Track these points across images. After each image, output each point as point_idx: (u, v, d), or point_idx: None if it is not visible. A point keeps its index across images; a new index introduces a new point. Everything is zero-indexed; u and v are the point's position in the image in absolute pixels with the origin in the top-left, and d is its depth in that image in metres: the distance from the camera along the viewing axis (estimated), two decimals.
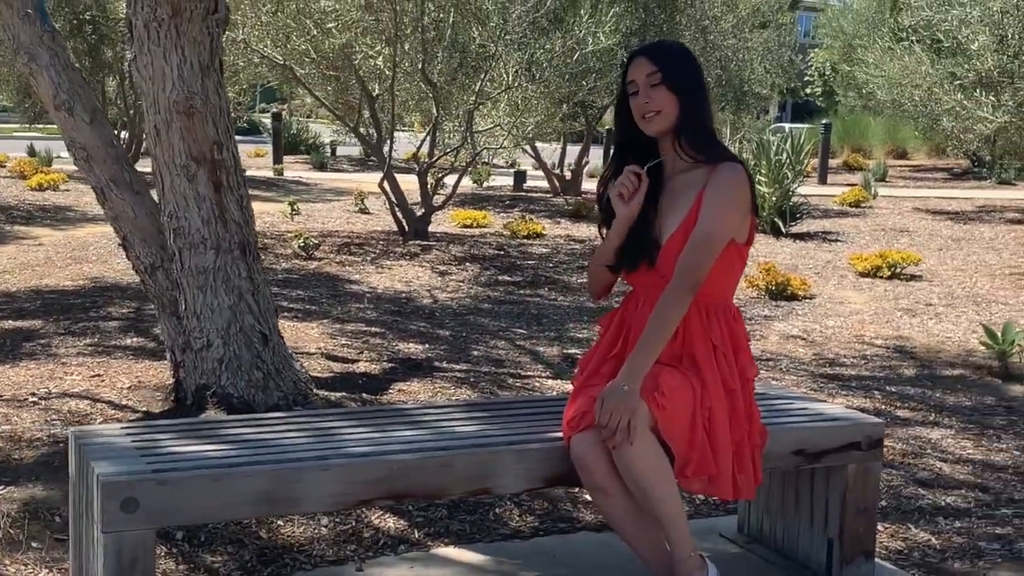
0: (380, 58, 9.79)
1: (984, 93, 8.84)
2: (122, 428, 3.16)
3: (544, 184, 17.27)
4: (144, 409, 4.64)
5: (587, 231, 12.04)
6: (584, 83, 11.76)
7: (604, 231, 3.27)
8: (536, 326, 7.02)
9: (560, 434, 3.14)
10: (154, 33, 4.30)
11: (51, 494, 3.76)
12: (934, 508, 4.25)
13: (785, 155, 12.83)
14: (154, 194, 4.64)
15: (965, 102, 9.54)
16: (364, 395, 4.97)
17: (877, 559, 3.59)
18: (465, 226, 12.06)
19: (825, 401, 3.84)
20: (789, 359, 6.49)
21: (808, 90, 37.15)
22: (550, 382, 5.59)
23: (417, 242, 10.26)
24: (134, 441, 3.00)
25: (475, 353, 6.14)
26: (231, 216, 4.50)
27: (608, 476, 2.97)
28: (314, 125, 29.58)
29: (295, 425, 3.21)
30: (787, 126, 28.64)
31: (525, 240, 11.12)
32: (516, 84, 10.27)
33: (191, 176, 4.41)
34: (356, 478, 2.89)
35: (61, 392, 4.88)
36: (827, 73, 33.45)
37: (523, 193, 16.71)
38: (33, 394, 4.84)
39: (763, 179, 12.51)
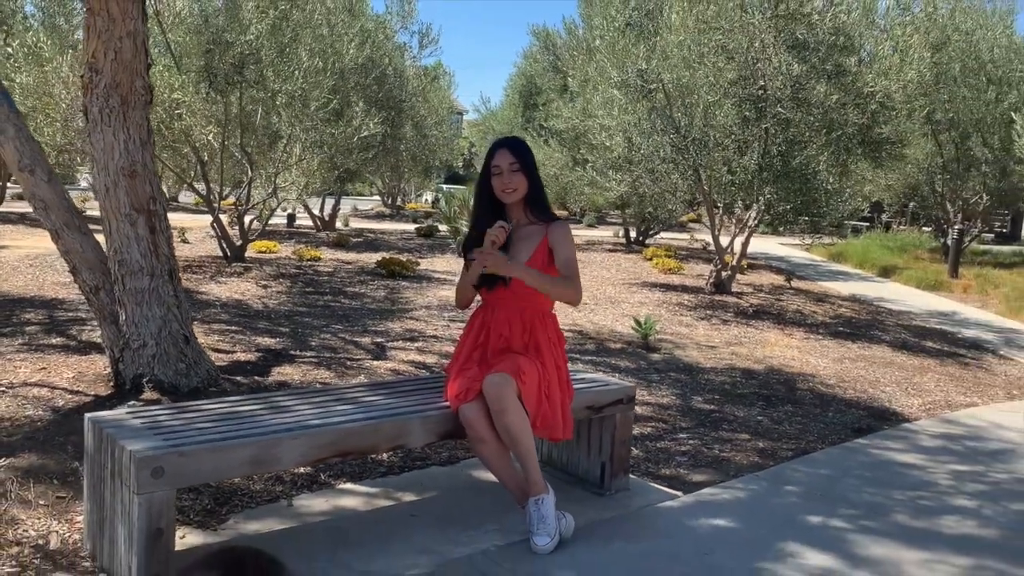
0: (211, 136, 9.22)
1: (614, 172, 9.29)
2: (127, 412, 2.89)
3: (309, 223, 16.76)
4: (93, 393, 4.21)
5: (351, 256, 11.78)
6: (356, 156, 11.61)
7: (469, 263, 3.26)
8: (347, 322, 6.84)
9: (446, 404, 3.14)
10: (106, 117, 3.93)
11: (45, 462, 3.38)
12: (638, 436, 4.42)
13: None
14: (99, 235, 4.22)
15: (597, 177, 9.99)
16: (256, 377, 4.70)
17: None
18: (261, 252, 11.52)
19: (594, 372, 3.98)
20: None
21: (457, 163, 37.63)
22: (375, 362, 5.48)
23: (238, 264, 9.74)
24: (143, 423, 2.77)
25: (313, 344, 5.92)
26: (162, 251, 4.18)
27: (487, 431, 3.01)
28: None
29: (258, 405, 3.04)
30: (445, 187, 29.08)
31: (309, 262, 10.77)
32: (304, 157, 9.99)
33: (133, 222, 4.07)
34: (316, 443, 2.81)
35: (21, 382, 4.33)
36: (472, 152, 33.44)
37: (295, 229, 16.15)
38: None
39: (464, 222, 12.68)
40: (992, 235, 25.78)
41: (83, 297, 6.90)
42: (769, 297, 10.09)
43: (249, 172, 9.71)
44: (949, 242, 16.87)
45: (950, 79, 13.39)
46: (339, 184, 14.62)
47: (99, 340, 5.38)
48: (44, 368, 4.62)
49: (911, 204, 20.55)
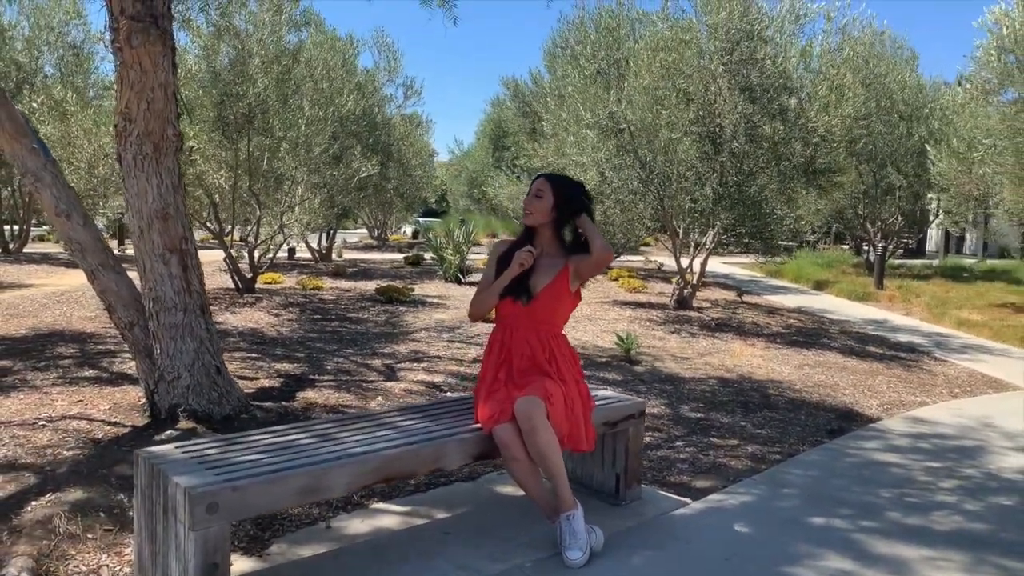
0: (223, 179, 8.91)
1: None
2: (175, 447, 2.61)
3: (307, 255, 16.39)
4: (130, 424, 3.89)
5: (349, 284, 11.44)
6: (354, 195, 11.35)
7: (495, 277, 3.11)
8: (355, 346, 6.55)
9: (477, 425, 2.90)
10: (140, 163, 3.65)
11: (91, 496, 3.06)
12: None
13: (462, 237, 12.85)
14: (132, 274, 3.92)
15: None
16: (283, 403, 4.40)
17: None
18: (268, 283, 11.16)
19: (606, 389, 3.76)
20: None
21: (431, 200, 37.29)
22: (388, 383, 5.20)
23: (249, 295, 9.39)
24: (192, 458, 2.49)
25: (328, 367, 5.63)
26: (194, 287, 3.88)
27: (520, 450, 2.79)
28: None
29: (302, 434, 2.77)
30: (421, 220, 28.78)
31: (312, 291, 10.43)
32: (307, 197, 9.71)
33: (166, 261, 3.77)
34: (362, 470, 2.55)
35: (60, 415, 3.99)
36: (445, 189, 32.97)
37: (295, 261, 15.76)
38: (38, 418, 3.94)
39: (450, 251, 12.45)
40: (901, 251, 26.13)
41: (111, 331, 6.59)
42: (726, 311, 9.96)
43: (258, 211, 9.38)
44: (871, 258, 17.00)
45: (868, 116, 13.46)
46: (337, 220, 14.29)
47: (130, 371, 5.07)
48: (80, 400, 4.28)
49: (835, 226, 20.70)
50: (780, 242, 8.77)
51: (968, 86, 11.01)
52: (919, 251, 27.22)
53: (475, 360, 6.20)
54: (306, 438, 2.72)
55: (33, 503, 2.95)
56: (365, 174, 10.23)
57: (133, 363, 5.30)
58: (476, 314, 3.15)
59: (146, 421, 3.90)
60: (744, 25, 7.58)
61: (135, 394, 4.36)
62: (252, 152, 8.83)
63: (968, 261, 20.94)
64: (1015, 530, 3.26)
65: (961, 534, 3.19)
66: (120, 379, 4.85)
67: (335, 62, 10.26)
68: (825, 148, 8.12)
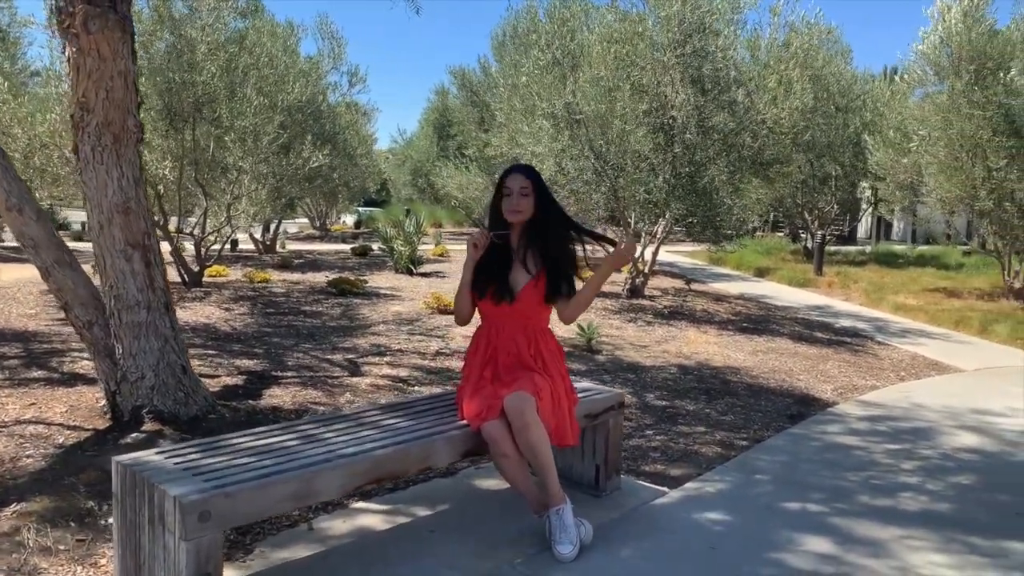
0: (167, 170, 8.58)
1: None
2: (155, 453, 2.50)
3: (250, 247, 15.95)
4: (91, 427, 3.71)
5: (297, 276, 11.16)
6: (304, 186, 11.07)
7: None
8: (314, 341, 6.40)
9: (463, 422, 2.86)
10: (99, 155, 3.48)
11: (59, 505, 2.91)
12: None
13: (412, 228, 12.69)
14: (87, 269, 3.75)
15: None
16: (249, 401, 4.27)
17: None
18: (213, 277, 10.83)
19: (582, 381, 3.76)
20: None
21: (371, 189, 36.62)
22: (353, 379, 5.10)
23: (197, 289, 9.10)
24: (176, 464, 2.39)
25: (290, 363, 5.49)
26: (158, 284, 3.73)
27: (511, 447, 2.76)
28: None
29: (287, 436, 2.68)
30: (360, 209, 28.31)
31: (261, 284, 10.14)
32: (256, 188, 9.44)
33: (128, 257, 3.61)
34: (353, 471, 2.50)
35: (14, 420, 3.78)
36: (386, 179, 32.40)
37: (238, 253, 15.33)
38: None
39: (401, 242, 12.29)
40: (832, 238, 26.93)
41: (55, 328, 6.30)
42: (677, 299, 10.11)
43: (205, 202, 9.09)
44: (809, 245, 17.47)
45: (815, 109, 13.81)
46: (283, 211, 13.96)
47: (82, 371, 4.85)
48: (33, 403, 4.06)
49: (772, 214, 21.21)
50: (729, 231, 8.92)
51: (906, 77, 11.37)
52: (851, 238, 28.13)
53: (438, 353, 6.14)
54: (291, 440, 2.64)
55: None
56: (316, 164, 9.98)
57: (84, 363, 5.10)
58: (461, 319, 3.09)
59: (108, 424, 3.73)
60: (696, 18, 7.65)
61: (92, 395, 4.17)
62: (198, 141, 8.54)
63: (898, 247, 21.71)
64: (976, 509, 3.39)
65: (928, 514, 3.30)
66: (73, 379, 4.64)
67: (276, 49, 9.97)
68: (773, 140, 8.28)
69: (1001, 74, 9.84)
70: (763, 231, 25.23)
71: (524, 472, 2.83)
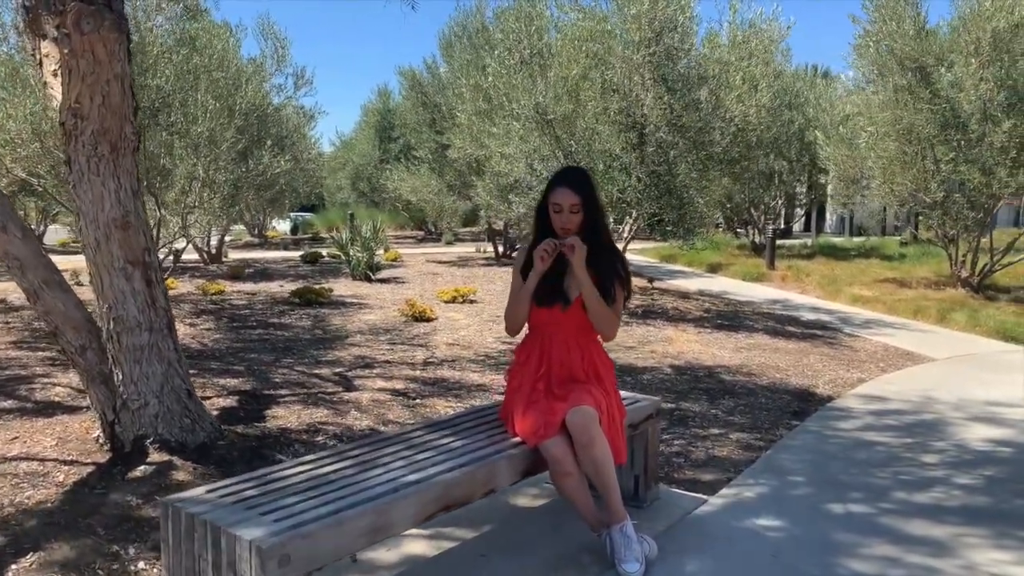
0: None
1: (514, 195, 8.93)
2: (207, 491, 2.28)
3: (195, 257, 15.33)
4: (90, 461, 3.41)
5: (251, 287, 10.75)
6: (261, 194, 10.66)
7: (521, 280, 2.90)
8: (293, 355, 6.13)
9: (517, 439, 2.73)
10: (94, 165, 3.21)
11: (80, 550, 2.65)
12: None
13: (369, 233, 12.39)
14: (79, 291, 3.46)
15: (492, 201, 9.66)
16: (255, 424, 4.02)
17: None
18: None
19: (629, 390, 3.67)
20: (457, 354, 6.19)
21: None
22: (351, 394, 4.87)
23: None
24: (236, 502, 2.18)
25: (277, 380, 5.23)
26: (159, 304, 3.47)
27: (572, 464, 2.65)
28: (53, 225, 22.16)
29: (336, 463, 2.49)
30: (294, 215, 27.55)
31: (217, 296, 9.70)
32: (211, 197, 9.05)
33: (128, 276, 3.34)
34: (424, 500, 2.35)
35: (0, 458, 3.46)
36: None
37: (183, 264, 14.69)
38: None
39: (359, 248, 11.97)
40: (778, 232, 27.67)
41: (12, 353, 5.87)
42: (645, 298, 10.12)
43: (159, 212, 8.65)
44: (757, 240, 17.82)
45: (779, 106, 14.07)
46: (234, 219, 13.44)
47: (57, 399, 4.51)
48: (16, 437, 3.72)
49: (718, 211, 21.58)
50: (701, 229, 8.98)
51: (851, 74, 11.68)
52: (788, 232, 28.93)
53: (427, 362, 5.96)
54: (347, 468, 2.46)
55: (13, 567, 2.52)
56: (278, 170, 9.63)
57: (57, 389, 4.75)
58: (512, 328, 2.94)
59: (108, 456, 3.45)
60: (666, 16, 7.66)
61: (79, 425, 3.86)
62: (151, 149, 8.11)
63: (836, 240, 22.37)
64: (1015, 500, 3.43)
65: (970, 509, 3.32)
66: (49, 408, 4.29)
67: (227, 51, 9.57)
68: (741, 137, 8.36)
69: (942, 70, 10.19)
70: (710, 228, 25.67)
71: (585, 490, 2.71)
